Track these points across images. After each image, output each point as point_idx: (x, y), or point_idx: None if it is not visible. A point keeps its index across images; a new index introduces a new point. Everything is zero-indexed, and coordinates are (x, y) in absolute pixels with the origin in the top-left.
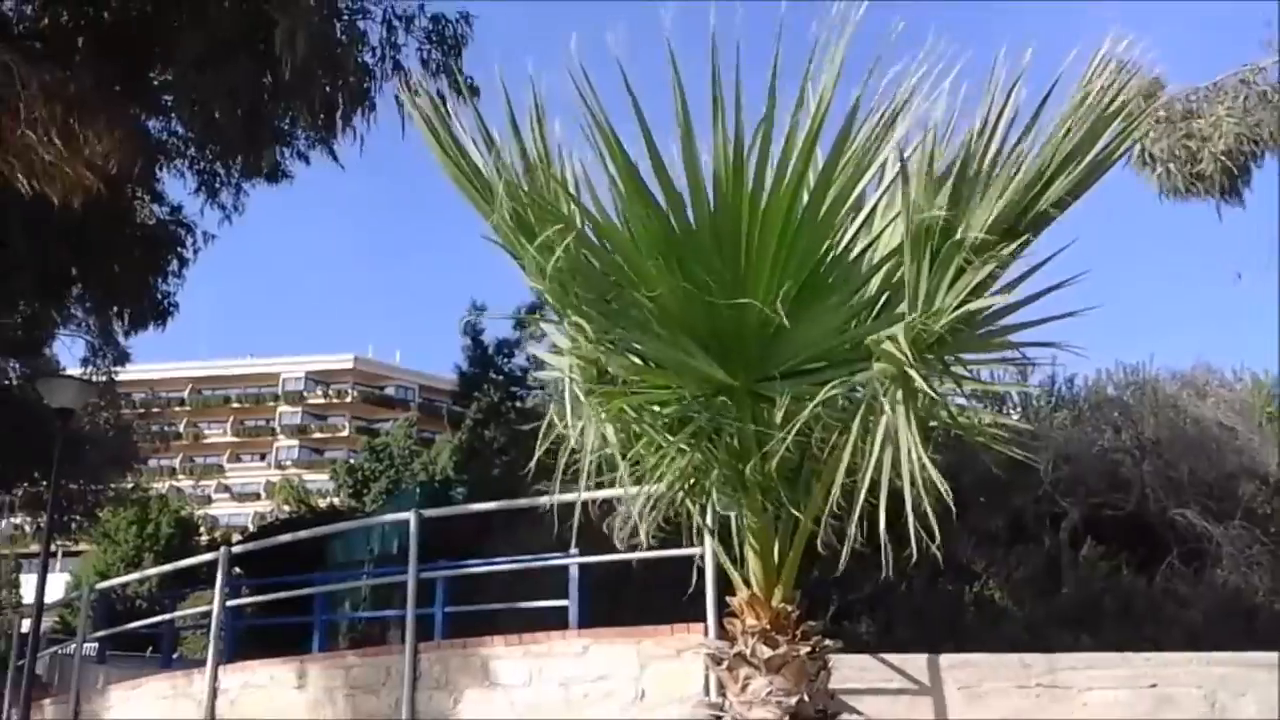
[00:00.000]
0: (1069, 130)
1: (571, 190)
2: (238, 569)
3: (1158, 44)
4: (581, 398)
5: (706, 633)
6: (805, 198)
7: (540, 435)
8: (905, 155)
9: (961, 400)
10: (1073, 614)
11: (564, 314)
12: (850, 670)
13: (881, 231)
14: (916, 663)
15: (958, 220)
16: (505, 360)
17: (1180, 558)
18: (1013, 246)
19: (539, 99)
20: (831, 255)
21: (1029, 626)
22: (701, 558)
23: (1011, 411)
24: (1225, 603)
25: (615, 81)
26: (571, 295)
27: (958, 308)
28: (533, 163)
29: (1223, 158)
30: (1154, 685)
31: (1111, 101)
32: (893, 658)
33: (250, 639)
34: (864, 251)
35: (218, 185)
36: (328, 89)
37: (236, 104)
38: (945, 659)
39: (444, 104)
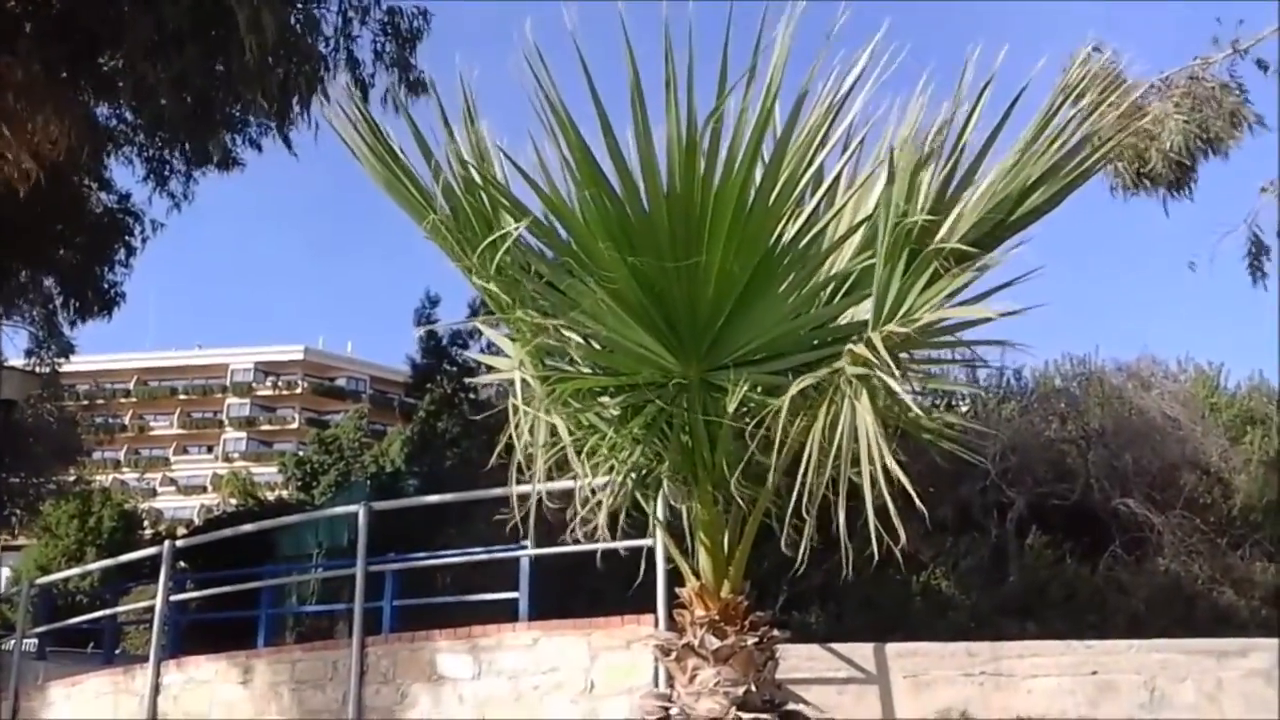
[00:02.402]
0: (1046, 142)
1: (527, 175)
2: (182, 563)
3: (1119, 40)
4: (533, 387)
5: (657, 624)
6: (757, 182)
7: (492, 427)
8: (893, 154)
9: (916, 396)
10: (1018, 603)
11: (510, 306)
12: (798, 660)
13: (838, 212)
14: (863, 652)
15: (937, 226)
16: (459, 351)
17: (1123, 546)
18: (990, 256)
19: (469, 96)
20: (785, 239)
21: (975, 615)
22: (653, 549)
23: (961, 404)
24: (1166, 590)
25: (572, 68)
26: (518, 284)
27: (930, 313)
28: (471, 157)
29: (1171, 155)
30: (1095, 673)
31: (1089, 115)
32: (840, 647)
33: (195, 634)
34: (820, 235)
35: (167, 173)
36: (283, 75)
37: (187, 90)
38: (892, 648)
39: (396, 96)
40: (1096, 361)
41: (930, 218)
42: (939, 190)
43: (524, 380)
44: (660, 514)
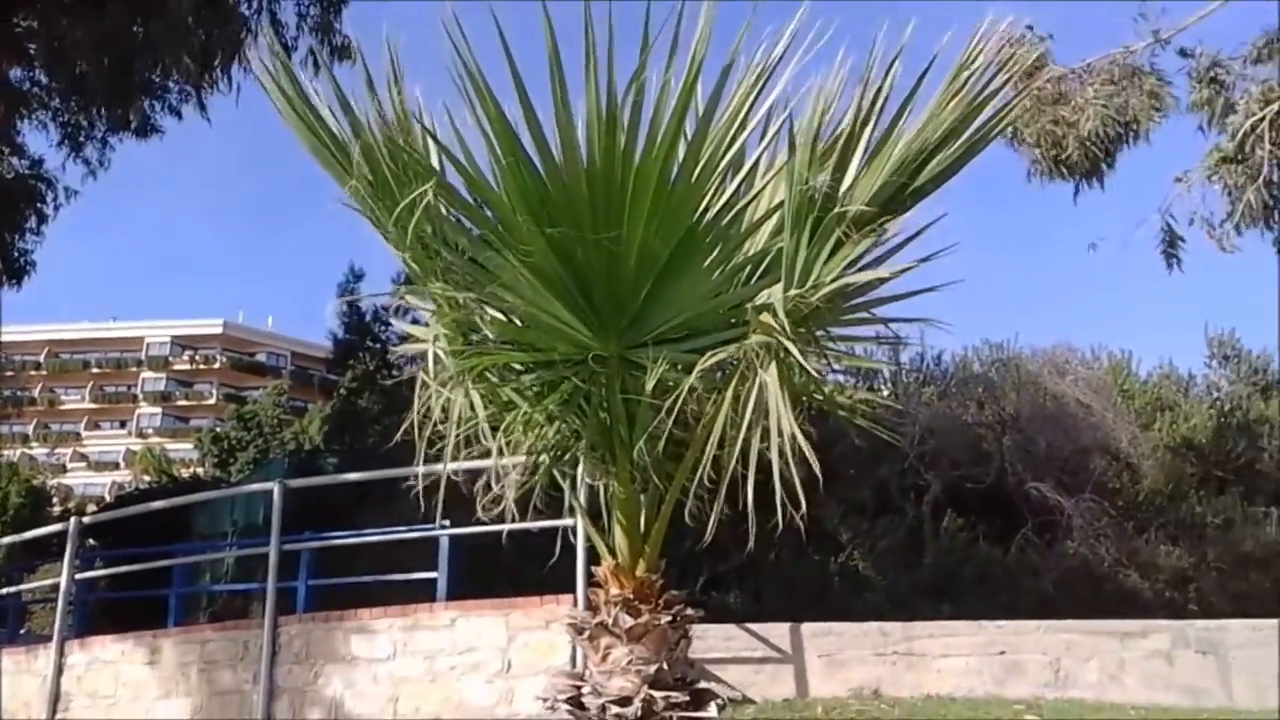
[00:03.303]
0: (950, 105)
1: (443, 144)
2: (92, 541)
3: (1044, 23)
4: (446, 362)
5: (576, 604)
6: (680, 159)
7: (411, 403)
8: (792, 123)
9: (835, 375)
10: (933, 583)
11: (427, 277)
12: (716, 640)
13: (758, 193)
14: (780, 632)
15: (839, 192)
16: (382, 328)
17: (1034, 529)
18: (892, 221)
19: (395, 61)
20: (707, 217)
21: (892, 596)
22: (573, 529)
23: (882, 386)
24: (1074, 572)
25: (491, 36)
26: (436, 255)
27: (835, 280)
28: (393, 122)
29: (1087, 143)
30: (1003, 652)
31: (991, 80)
32: (757, 627)
33: (104, 614)
34: (740, 214)
35: (82, 139)
36: (205, 37)
37: (105, 54)
38: (807, 628)
39: (320, 57)
40: (1015, 348)
41: (833, 186)
42: (840, 157)
43: (440, 354)
44: (582, 493)
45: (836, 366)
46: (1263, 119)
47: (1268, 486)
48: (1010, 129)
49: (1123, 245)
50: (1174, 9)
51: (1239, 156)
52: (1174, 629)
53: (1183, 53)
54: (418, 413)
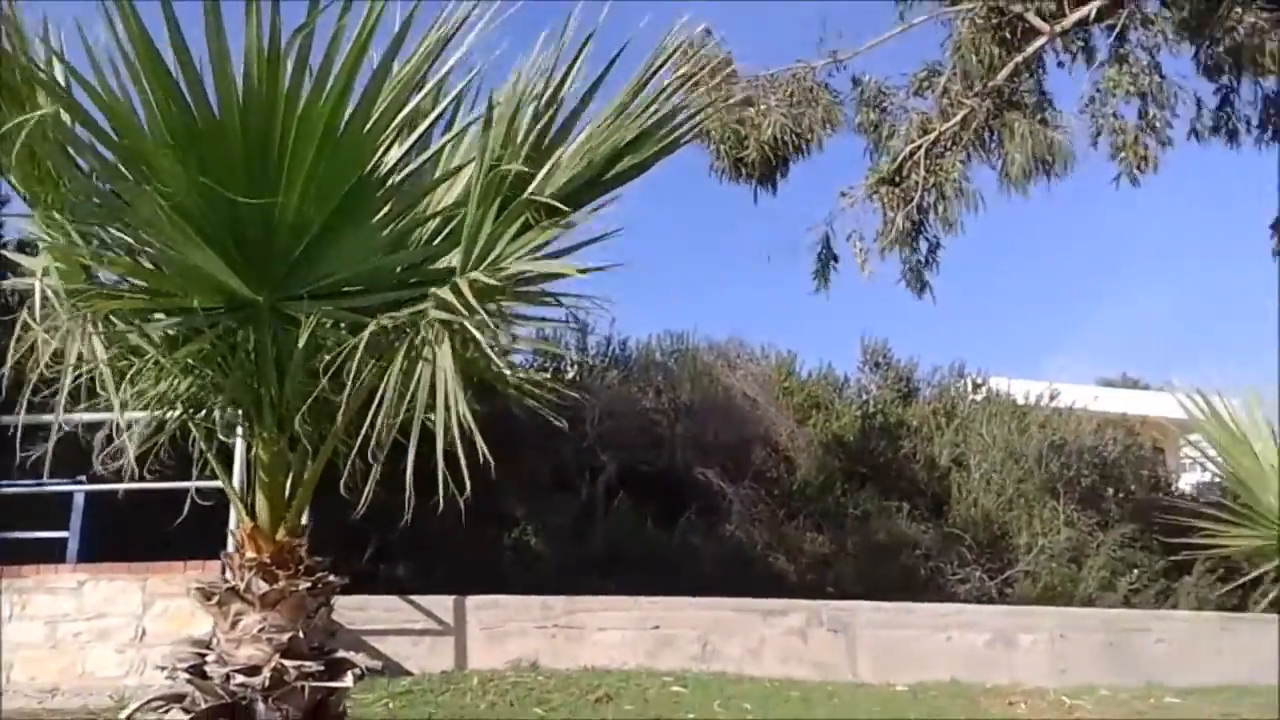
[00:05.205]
0: (648, 106)
1: (60, 54)
2: None
3: (735, 31)
4: (56, 303)
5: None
6: (351, 108)
7: (13, 345)
8: (491, 97)
9: (523, 356)
10: (602, 560)
11: (42, 205)
12: (378, 611)
13: (437, 154)
14: (443, 604)
15: (532, 177)
16: None
17: (698, 512)
18: (582, 212)
19: None
20: (379, 172)
21: (561, 571)
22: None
23: (568, 369)
24: (730, 554)
25: None
26: (57, 182)
27: (519, 262)
28: (12, 29)
29: (766, 146)
30: (657, 627)
31: (685, 81)
32: (420, 599)
33: None
34: (418, 175)
35: None
36: None
37: None
38: (471, 600)
39: None
40: (694, 340)
41: (524, 169)
42: (535, 141)
43: (51, 293)
44: (238, 452)
45: (518, 347)
46: (919, 147)
47: (901, 483)
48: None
49: (793, 251)
50: (852, 32)
51: (895, 179)
52: (810, 608)
53: (854, 81)
54: (13, 355)
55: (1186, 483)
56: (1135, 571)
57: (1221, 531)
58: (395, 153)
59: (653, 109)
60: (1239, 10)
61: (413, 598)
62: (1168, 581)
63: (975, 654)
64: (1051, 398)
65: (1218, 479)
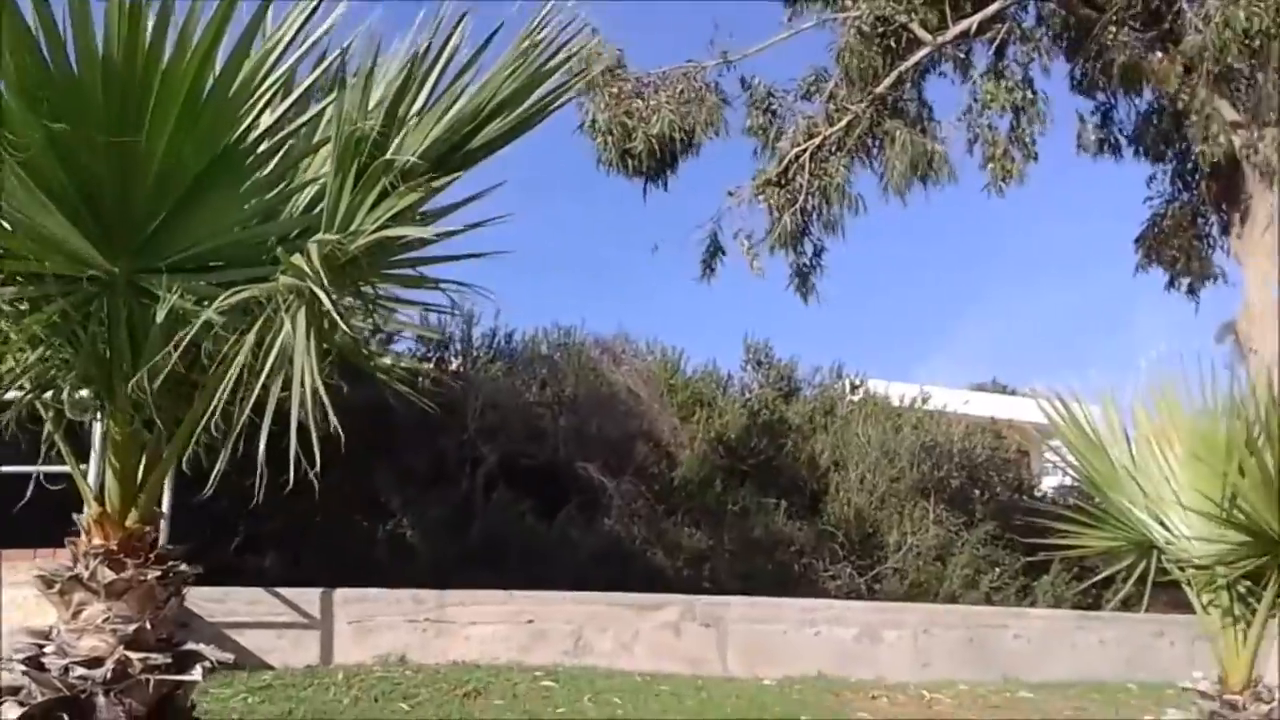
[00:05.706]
0: (511, 73)
1: None
2: None
3: (634, 34)
4: None
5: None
6: (217, 71)
7: None
8: (344, 60)
9: (406, 343)
10: (480, 554)
11: None
12: (239, 604)
13: (306, 124)
14: (310, 597)
15: (390, 141)
16: None
17: (578, 506)
18: (443, 180)
19: None
20: (247, 141)
21: (437, 564)
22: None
23: (452, 358)
24: (608, 548)
25: None
26: None
27: (376, 230)
28: None
29: (654, 140)
30: (531, 621)
31: (554, 55)
32: (287, 591)
33: None
34: (285, 144)
35: None
36: None
37: None
38: (340, 594)
39: None
40: (580, 334)
41: (383, 132)
42: (392, 105)
43: None
44: (97, 433)
45: (398, 330)
46: (805, 150)
47: (780, 480)
48: (590, 119)
49: (682, 247)
50: (742, 33)
51: (781, 181)
52: (684, 603)
53: (743, 83)
54: None
55: (1048, 485)
56: (997, 570)
57: (1078, 532)
58: (267, 119)
59: (519, 73)
60: (1113, 30)
61: (278, 590)
62: (1027, 580)
63: (843, 649)
64: (924, 400)
65: (1076, 483)
